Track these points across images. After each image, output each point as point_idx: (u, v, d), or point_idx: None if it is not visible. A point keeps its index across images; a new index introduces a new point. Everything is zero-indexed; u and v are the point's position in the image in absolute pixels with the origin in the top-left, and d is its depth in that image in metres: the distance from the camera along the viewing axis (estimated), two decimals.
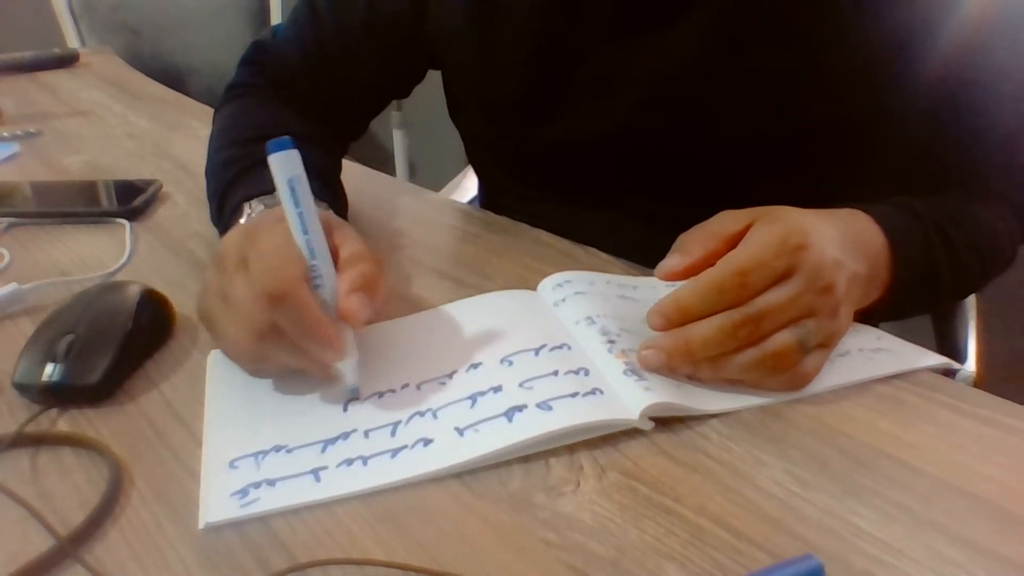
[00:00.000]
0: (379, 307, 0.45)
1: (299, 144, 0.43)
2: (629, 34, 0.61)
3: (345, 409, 0.44)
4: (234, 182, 0.59)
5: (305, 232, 0.43)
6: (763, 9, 0.56)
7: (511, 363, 0.46)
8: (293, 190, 0.42)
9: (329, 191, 0.61)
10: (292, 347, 0.42)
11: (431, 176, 1.87)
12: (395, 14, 0.69)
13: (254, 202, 0.55)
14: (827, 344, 0.45)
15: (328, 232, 0.45)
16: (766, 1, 0.56)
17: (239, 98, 0.73)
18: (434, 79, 0.76)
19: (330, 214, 0.51)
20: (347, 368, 0.44)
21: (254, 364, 0.45)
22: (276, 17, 1.87)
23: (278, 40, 0.75)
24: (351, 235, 0.48)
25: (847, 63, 0.56)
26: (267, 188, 0.54)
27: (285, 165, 0.42)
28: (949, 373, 0.49)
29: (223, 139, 0.67)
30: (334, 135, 0.72)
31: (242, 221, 0.54)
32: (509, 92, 0.67)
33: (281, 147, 0.42)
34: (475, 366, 0.46)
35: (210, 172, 0.65)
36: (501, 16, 0.64)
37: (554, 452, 0.40)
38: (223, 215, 0.59)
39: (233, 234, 0.45)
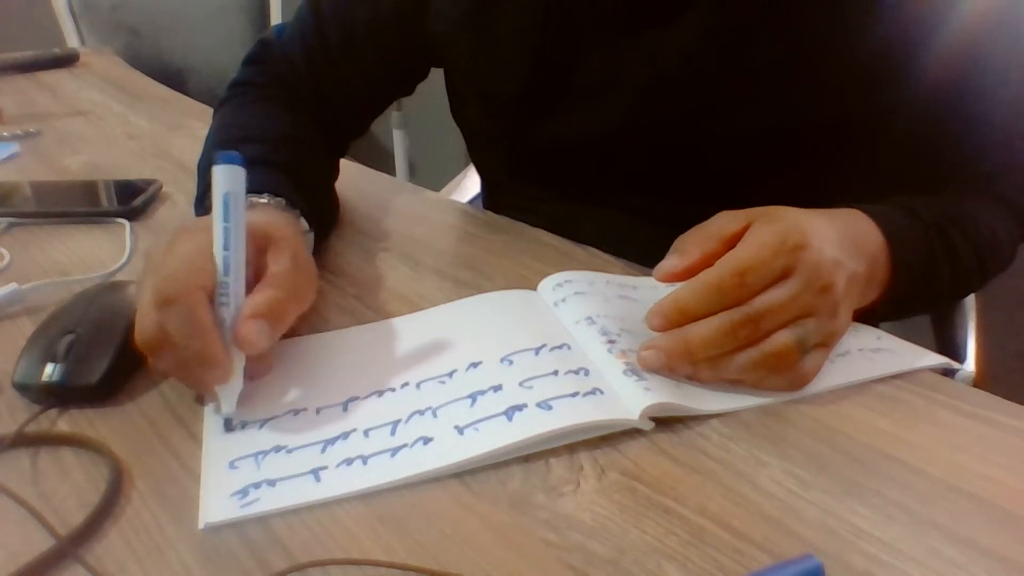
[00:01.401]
0: (281, 335, 0.44)
1: (290, 147, 0.42)
2: (629, 32, 0.61)
3: (229, 430, 0.42)
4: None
5: (225, 248, 0.42)
6: (762, 8, 0.56)
7: (511, 363, 0.46)
8: (226, 205, 0.41)
9: (308, 199, 0.58)
10: (180, 360, 0.41)
11: (431, 176, 1.87)
12: (398, 12, 0.69)
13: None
14: (827, 344, 0.45)
15: (263, 247, 0.45)
16: (764, 1, 0.56)
17: (237, 96, 0.73)
18: (435, 78, 0.76)
19: (278, 227, 0.48)
20: (224, 394, 0.42)
21: (155, 363, 0.44)
22: (276, 17, 1.87)
23: (282, 39, 0.75)
24: (285, 254, 0.46)
25: (846, 62, 0.56)
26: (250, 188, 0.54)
27: (226, 179, 0.41)
28: (949, 373, 0.49)
29: (214, 138, 0.67)
30: (333, 134, 0.72)
31: None
32: (509, 90, 0.67)
33: (229, 160, 0.41)
34: (475, 365, 0.46)
35: (199, 170, 0.65)
36: (501, 14, 0.64)
37: (554, 452, 0.40)
38: (199, 213, 0.59)
39: (170, 236, 0.45)
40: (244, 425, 0.42)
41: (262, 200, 0.53)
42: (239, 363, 0.42)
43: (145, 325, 0.42)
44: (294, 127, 0.67)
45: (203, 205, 0.59)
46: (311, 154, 0.66)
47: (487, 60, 0.67)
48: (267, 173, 0.56)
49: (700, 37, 0.58)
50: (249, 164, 0.48)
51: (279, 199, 0.54)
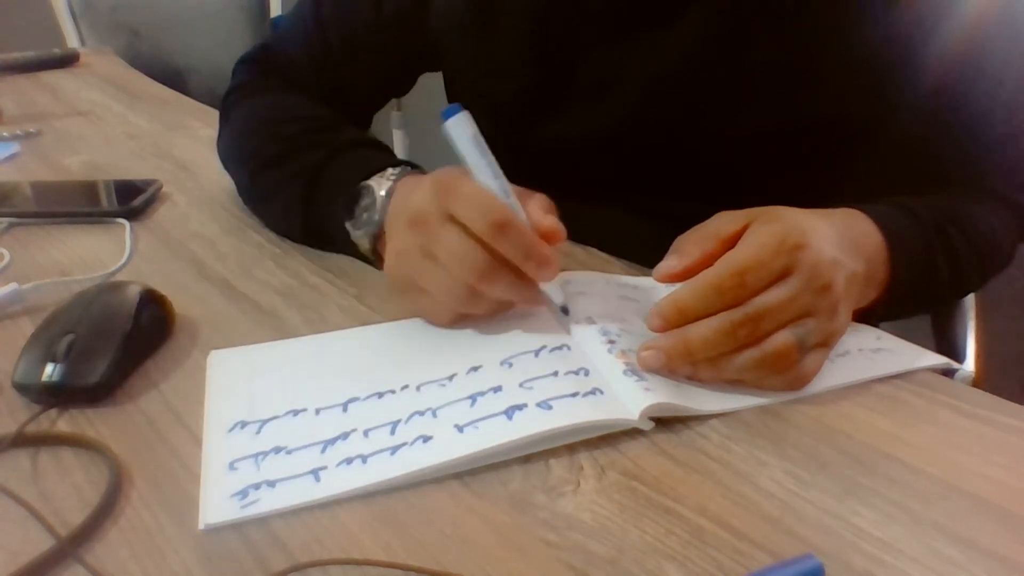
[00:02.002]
0: None
1: (352, 128, 0.43)
2: (628, 32, 0.61)
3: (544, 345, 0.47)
4: (328, 167, 0.59)
5: (496, 177, 0.47)
6: (761, 8, 0.56)
7: (511, 365, 0.46)
8: (478, 143, 0.47)
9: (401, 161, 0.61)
10: (510, 279, 0.46)
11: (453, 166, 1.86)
12: (400, 14, 0.69)
13: (378, 178, 0.55)
14: (826, 343, 0.45)
15: None
16: (763, 0, 0.56)
17: (257, 95, 0.72)
18: (435, 78, 0.76)
19: None
20: (554, 289, 0.48)
21: (467, 307, 0.48)
22: (276, 15, 1.87)
23: (282, 41, 0.75)
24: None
25: (845, 62, 0.56)
26: (377, 167, 0.56)
27: (465, 125, 0.47)
28: (948, 373, 0.49)
29: (277, 129, 0.66)
30: None
31: (381, 195, 0.54)
32: (509, 91, 0.67)
33: (455, 111, 0.47)
34: (475, 369, 0.46)
35: (270, 161, 0.64)
36: (501, 15, 0.64)
37: (554, 452, 0.40)
38: (317, 197, 0.59)
39: (419, 197, 0.47)
40: (243, 425, 0.42)
41: (408, 170, 0.56)
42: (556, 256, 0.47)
43: (477, 259, 0.44)
44: (337, 114, 0.68)
45: (316, 204, 0.60)
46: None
47: (486, 61, 0.67)
48: (383, 152, 0.60)
49: (699, 37, 0.58)
50: (361, 145, 0.58)
51: (404, 166, 0.57)
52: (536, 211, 0.47)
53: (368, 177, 0.56)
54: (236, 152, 0.71)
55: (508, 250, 0.44)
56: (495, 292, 0.46)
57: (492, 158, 0.47)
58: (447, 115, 0.47)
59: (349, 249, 0.59)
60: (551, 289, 0.48)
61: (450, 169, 0.48)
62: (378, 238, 0.56)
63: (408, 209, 0.47)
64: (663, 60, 0.60)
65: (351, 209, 0.56)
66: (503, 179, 0.47)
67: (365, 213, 0.55)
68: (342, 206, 0.57)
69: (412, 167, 0.57)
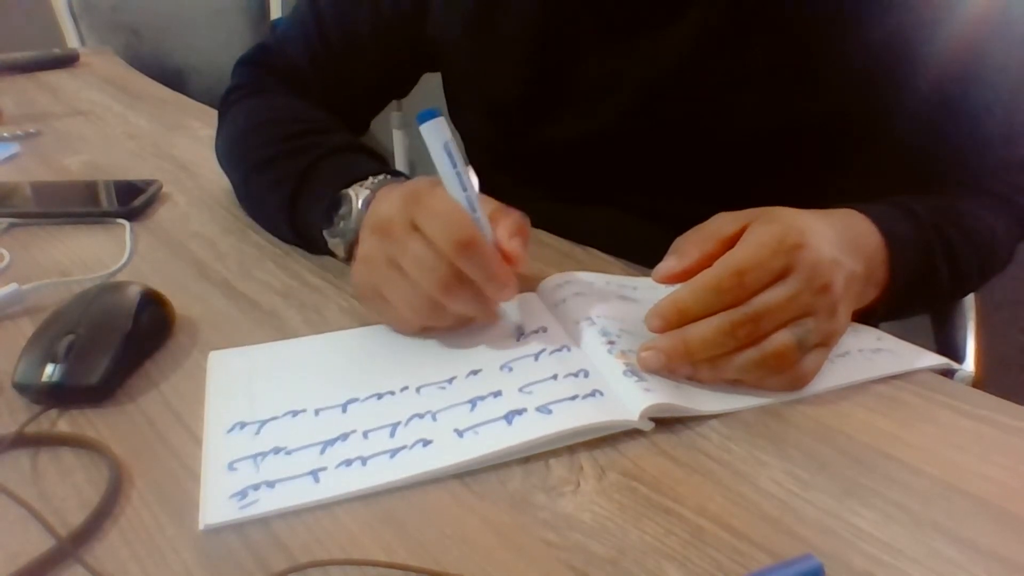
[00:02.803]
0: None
1: (346, 132, 0.44)
2: (627, 35, 0.61)
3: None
4: (311, 173, 0.59)
5: (465, 189, 0.46)
6: (758, 9, 0.56)
7: (511, 369, 0.46)
8: (449, 153, 0.46)
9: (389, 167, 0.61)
10: (470, 295, 0.46)
11: (431, 176, 1.86)
12: (399, 17, 0.69)
13: (357, 187, 0.55)
14: (826, 343, 0.45)
15: None
16: (761, 1, 0.56)
17: (254, 96, 0.73)
18: (435, 79, 0.76)
19: None
20: (512, 307, 0.48)
21: (429, 321, 0.48)
22: (276, 17, 1.87)
23: (282, 41, 0.75)
24: (483, 196, 0.50)
25: (843, 63, 0.56)
26: (359, 175, 0.56)
27: (438, 132, 0.46)
28: (948, 373, 0.49)
29: (269, 133, 0.66)
30: None
31: (351, 205, 0.54)
32: (507, 93, 0.67)
33: (431, 116, 0.46)
34: (475, 372, 0.46)
35: (260, 165, 0.64)
36: (499, 18, 0.64)
37: (554, 452, 0.40)
38: (300, 204, 0.59)
39: (390, 204, 0.47)
40: (243, 426, 0.42)
41: (389, 178, 0.56)
42: (515, 279, 0.47)
43: (441, 273, 0.44)
44: (333, 118, 0.68)
45: (299, 207, 0.59)
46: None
47: (486, 64, 0.67)
48: (368, 158, 0.60)
49: (697, 39, 0.58)
50: (347, 151, 0.58)
51: (384, 176, 0.57)
52: (503, 231, 0.47)
53: (348, 185, 0.56)
54: (230, 154, 0.71)
55: (470, 269, 0.44)
56: (456, 306, 0.46)
57: (464, 168, 0.47)
58: (422, 119, 0.46)
59: (333, 255, 0.59)
60: (510, 308, 0.48)
61: (423, 179, 0.49)
62: (354, 246, 0.55)
63: (376, 217, 0.48)
64: (661, 62, 0.60)
65: (330, 216, 0.56)
66: (472, 191, 0.46)
67: (342, 221, 0.56)
68: (321, 214, 0.57)
69: (395, 175, 0.57)
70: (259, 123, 0.69)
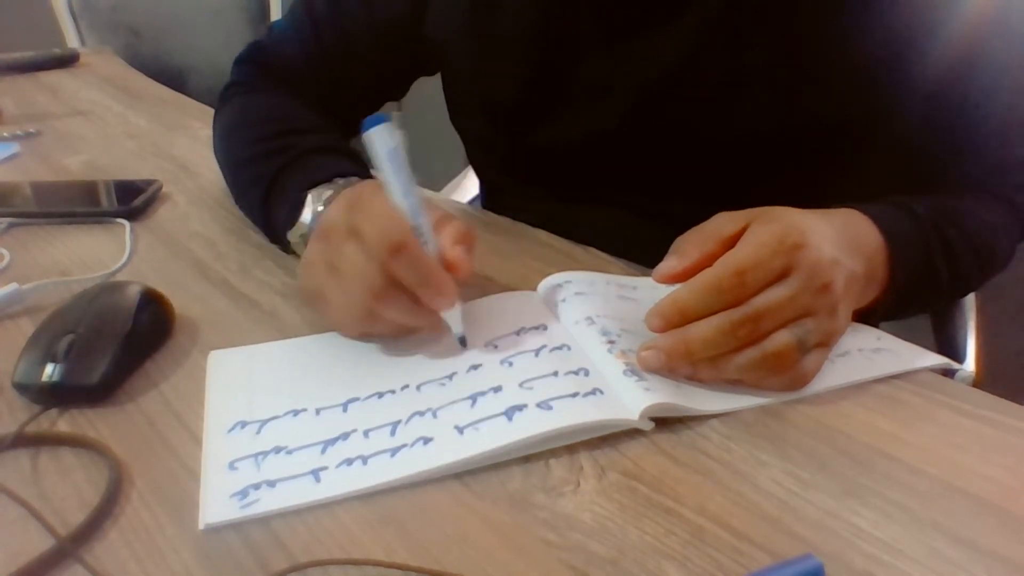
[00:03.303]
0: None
1: (329, 133, 0.44)
2: (625, 35, 0.61)
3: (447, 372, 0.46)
4: (281, 174, 0.59)
5: (407, 196, 0.46)
6: (757, 10, 0.56)
7: (511, 364, 0.46)
8: (393, 160, 0.46)
9: (368, 173, 0.61)
10: (405, 303, 0.45)
11: (431, 176, 1.86)
12: (394, 18, 0.69)
13: (320, 189, 0.55)
14: (826, 343, 0.45)
15: None
16: (759, 2, 0.56)
17: (247, 94, 0.73)
18: (434, 79, 0.76)
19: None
20: (453, 317, 0.47)
21: (365, 326, 0.47)
22: (276, 17, 1.87)
23: (277, 41, 0.75)
24: (433, 203, 0.50)
25: (842, 64, 0.56)
26: (324, 177, 0.56)
27: (385, 138, 0.46)
28: (949, 373, 0.49)
29: (251, 132, 0.67)
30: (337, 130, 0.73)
31: (318, 207, 0.55)
32: (507, 94, 0.67)
33: (378, 121, 0.46)
34: (475, 368, 0.46)
35: (240, 165, 0.65)
36: (498, 19, 0.64)
37: (554, 452, 0.40)
38: (272, 205, 0.60)
39: (333, 209, 0.48)
40: (244, 426, 0.42)
41: (354, 180, 0.56)
42: (456, 287, 0.46)
43: (372, 279, 0.44)
44: (320, 118, 0.68)
45: (269, 208, 0.60)
46: (342, 140, 0.67)
47: (485, 65, 0.67)
48: (335, 158, 0.59)
49: (696, 40, 0.58)
50: (317, 152, 0.56)
51: (355, 178, 0.56)
52: (446, 238, 0.47)
53: (313, 187, 0.56)
54: (219, 152, 0.72)
55: (402, 274, 0.44)
56: (390, 314, 0.46)
57: (408, 174, 0.46)
58: (367, 125, 0.46)
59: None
60: (451, 317, 0.47)
61: (370, 184, 0.49)
62: None
63: (320, 221, 0.48)
64: (660, 63, 0.60)
65: (294, 218, 0.56)
66: (415, 198, 0.46)
67: (301, 223, 0.56)
68: (286, 215, 0.57)
69: (364, 177, 0.57)
70: (244, 122, 0.69)
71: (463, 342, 0.47)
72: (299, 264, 0.50)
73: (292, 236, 0.57)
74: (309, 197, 0.55)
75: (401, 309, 0.45)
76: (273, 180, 0.60)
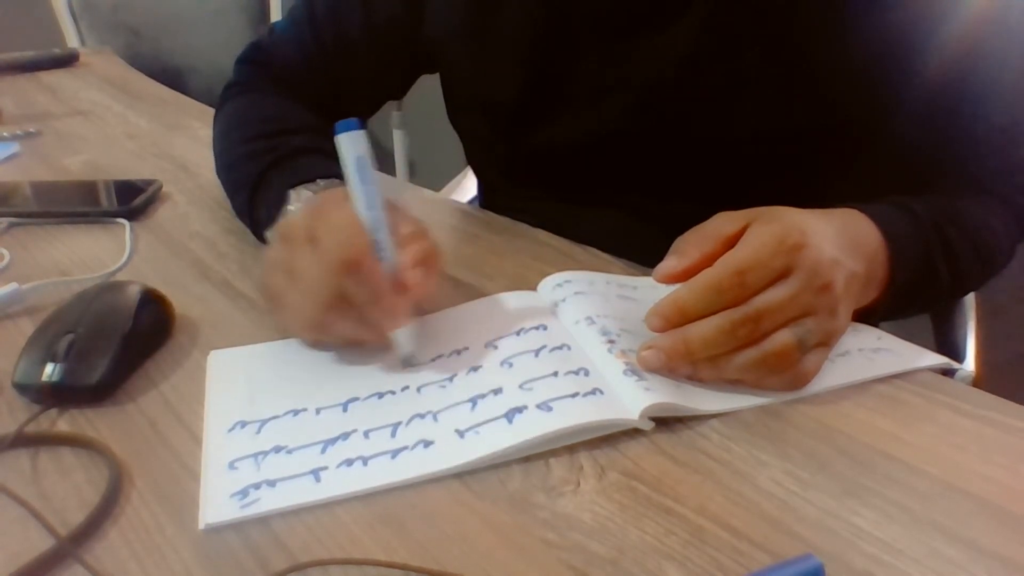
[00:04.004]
0: (435, 278, 0.48)
1: (321, 135, 0.45)
2: (625, 36, 0.61)
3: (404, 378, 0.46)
4: (267, 173, 0.59)
5: (370, 208, 0.45)
6: (756, 11, 0.56)
7: (511, 365, 0.46)
8: (360, 168, 0.45)
9: None
10: (355, 317, 0.44)
11: (431, 176, 1.87)
12: (392, 19, 0.69)
13: (300, 189, 0.55)
14: (826, 343, 0.45)
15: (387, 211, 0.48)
16: (759, 3, 0.56)
17: (245, 94, 0.73)
18: (435, 79, 0.76)
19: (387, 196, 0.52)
20: (403, 336, 0.46)
21: (315, 334, 0.47)
22: (276, 17, 1.87)
23: (277, 41, 0.75)
24: (409, 215, 0.49)
25: (841, 65, 0.56)
26: (307, 177, 0.56)
27: (354, 144, 0.45)
28: (949, 373, 0.49)
29: (241, 132, 0.67)
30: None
31: (291, 207, 0.54)
32: (506, 95, 0.67)
33: (349, 127, 0.45)
34: (475, 369, 0.46)
35: (232, 165, 0.65)
36: (498, 20, 0.64)
37: (554, 452, 0.40)
38: (256, 204, 0.60)
39: (299, 213, 0.47)
40: (244, 425, 0.43)
41: (335, 182, 0.55)
42: (407, 308, 0.45)
43: (324, 291, 0.44)
44: (314, 119, 0.68)
45: (254, 209, 0.60)
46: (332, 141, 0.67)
47: (484, 66, 0.67)
48: (322, 160, 0.59)
49: (694, 41, 0.58)
50: (304, 153, 0.55)
51: (337, 180, 0.56)
52: (406, 257, 0.46)
53: (293, 187, 0.56)
54: (215, 152, 0.72)
55: (353, 290, 0.44)
56: (339, 327, 0.45)
57: (376, 185, 0.45)
58: (339, 130, 0.45)
59: None
60: (400, 337, 0.46)
61: (339, 191, 0.48)
62: None
63: (284, 224, 0.47)
64: (659, 64, 0.60)
65: (275, 217, 0.56)
66: (378, 210, 0.45)
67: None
68: (267, 214, 0.57)
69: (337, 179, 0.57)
70: (238, 123, 0.69)
71: (408, 362, 0.46)
72: (265, 262, 0.49)
73: (270, 235, 0.57)
74: (290, 196, 0.55)
75: (350, 323, 0.45)
76: (259, 179, 0.60)
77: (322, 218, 0.45)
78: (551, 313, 0.51)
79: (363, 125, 0.45)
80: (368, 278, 0.43)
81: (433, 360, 0.48)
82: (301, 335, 0.49)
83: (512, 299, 0.54)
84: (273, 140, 0.63)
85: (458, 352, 0.48)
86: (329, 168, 0.57)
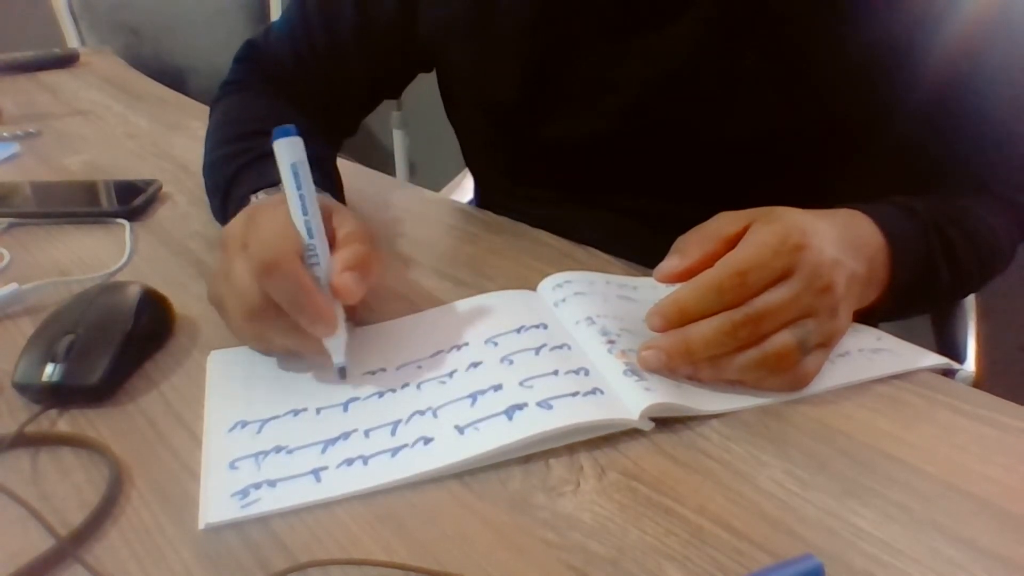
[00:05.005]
0: (373, 284, 0.46)
1: (299, 135, 0.44)
2: (623, 35, 0.61)
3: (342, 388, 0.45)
4: (238, 175, 0.60)
5: (304, 213, 0.44)
6: (755, 11, 0.56)
7: (511, 362, 0.46)
8: (296, 174, 0.44)
9: (327, 180, 0.62)
10: (285, 325, 0.43)
11: (431, 176, 1.87)
12: (384, 19, 0.69)
13: (261, 193, 0.55)
14: (827, 344, 0.45)
15: (327, 215, 0.47)
16: (758, 3, 0.56)
17: (234, 94, 0.74)
18: (435, 80, 0.76)
19: (331, 199, 0.51)
20: (334, 346, 0.45)
21: (253, 343, 0.47)
22: (276, 17, 1.87)
23: (272, 40, 0.75)
24: (349, 218, 0.49)
25: (840, 65, 0.56)
26: (273, 180, 0.55)
27: (289, 150, 0.44)
28: (949, 373, 0.49)
29: (222, 133, 0.67)
30: (328, 131, 0.73)
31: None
32: (504, 93, 0.67)
33: (286, 133, 0.44)
34: (475, 365, 0.46)
35: (211, 166, 0.66)
36: (496, 18, 0.64)
37: (554, 452, 0.40)
38: (227, 208, 0.59)
39: (236, 219, 0.47)
40: (244, 425, 0.43)
41: None
42: (340, 316, 0.45)
43: (249, 297, 0.43)
44: (300, 120, 0.68)
45: (226, 212, 0.59)
46: (319, 143, 0.67)
47: (482, 65, 0.67)
48: None
49: (693, 40, 0.58)
50: (265, 158, 0.52)
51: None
52: (338, 262, 0.45)
53: (256, 191, 0.56)
54: (204, 151, 0.71)
55: (277, 296, 0.42)
56: (271, 336, 0.45)
57: (311, 190, 0.45)
58: (275, 136, 0.44)
59: None
60: (332, 345, 0.45)
61: (276, 198, 0.48)
62: None
63: (224, 230, 0.47)
64: (658, 63, 0.60)
65: None
66: (312, 216, 0.44)
67: None
68: (232, 209, 0.57)
69: (320, 186, 0.56)
70: (223, 123, 0.69)
71: (342, 373, 0.45)
72: None
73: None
74: (251, 200, 0.55)
75: (281, 331, 0.44)
76: (231, 182, 0.60)
77: (254, 224, 0.45)
78: (551, 312, 0.51)
79: (300, 132, 0.44)
80: (289, 281, 0.42)
81: (433, 356, 0.48)
82: (244, 342, 0.48)
83: (512, 297, 0.54)
84: (248, 142, 0.63)
85: (458, 348, 0.48)
86: None
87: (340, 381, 0.46)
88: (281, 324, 0.44)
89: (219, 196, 0.62)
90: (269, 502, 0.37)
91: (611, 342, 0.47)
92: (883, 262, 0.51)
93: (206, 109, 1.05)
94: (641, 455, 0.40)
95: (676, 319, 0.44)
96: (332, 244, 0.46)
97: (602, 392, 0.43)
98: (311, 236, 0.44)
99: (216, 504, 0.37)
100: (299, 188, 0.44)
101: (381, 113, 0.80)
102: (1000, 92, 0.58)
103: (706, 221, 0.47)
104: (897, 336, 0.51)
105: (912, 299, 0.54)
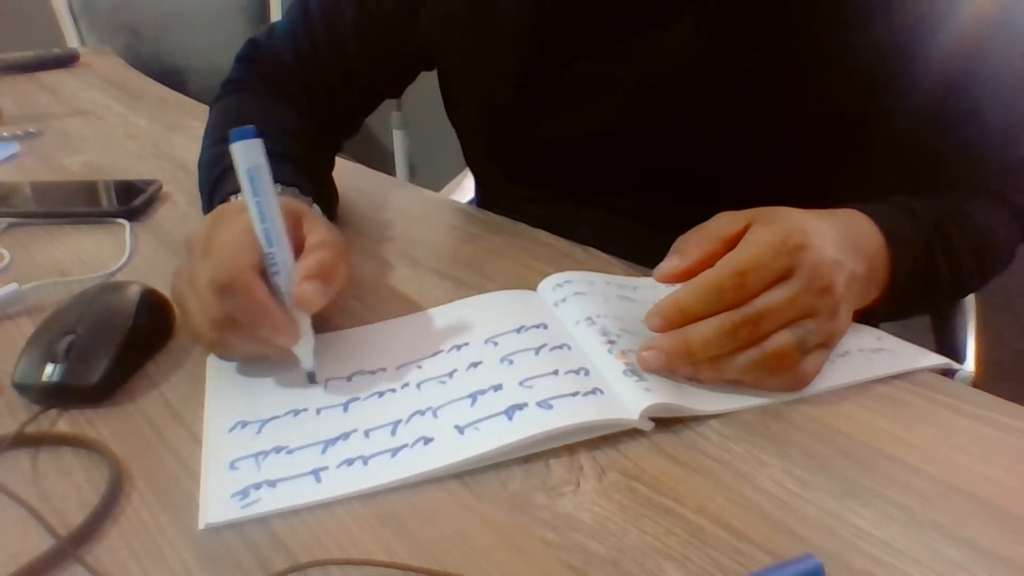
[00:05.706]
0: (338, 292, 0.46)
1: (289, 138, 0.44)
2: (622, 34, 0.61)
3: (315, 386, 0.45)
4: (223, 176, 0.60)
5: (263, 221, 0.44)
6: (754, 11, 0.56)
7: (511, 362, 0.46)
8: (252, 179, 0.43)
9: (315, 185, 0.61)
10: (247, 334, 0.44)
11: (431, 176, 1.87)
12: (384, 19, 0.69)
13: (239, 195, 0.55)
14: (827, 344, 0.45)
15: (297, 221, 0.47)
16: (758, 3, 0.56)
17: (233, 93, 0.74)
18: (435, 78, 0.76)
19: (302, 205, 0.51)
20: (302, 352, 0.45)
21: (216, 350, 0.47)
22: (276, 17, 1.87)
23: (274, 39, 0.75)
24: (319, 224, 0.48)
25: (839, 65, 0.56)
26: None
27: (245, 154, 0.43)
28: (949, 373, 0.49)
29: (215, 134, 0.67)
30: (327, 132, 0.72)
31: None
32: (504, 93, 0.67)
33: (243, 136, 0.43)
34: (475, 365, 0.46)
35: (202, 166, 0.66)
36: (495, 18, 0.64)
37: (554, 452, 0.40)
38: (212, 208, 0.59)
39: (204, 221, 0.47)
40: (244, 425, 0.42)
41: (276, 190, 0.54)
42: (305, 322, 0.45)
43: (211, 313, 0.43)
44: (292, 120, 0.68)
45: (211, 204, 0.59)
46: (312, 145, 0.67)
47: (481, 64, 0.67)
48: (276, 164, 0.57)
49: (692, 39, 0.58)
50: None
51: (292, 188, 0.56)
52: (299, 272, 0.44)
53: (234, 193, 0.55)
54: (200, 149, 0.71)
55: (235, 312, 0.43)
56: (235, 345, 0.45)
57: (271, 196, 0.43)
58: (233, 138, 0.43)
59: None
60: (300, 351, 0.45)
61: (237, 204, 0.47)
62: None
63: (189, 232, 0.47)
64: (657, 62, 0.60)
65: None
66: (273, 223, 0.44)
67: None
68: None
69: (299, 185, 0.57)
70: (218, 123, 0.69)
71: (311, 378, 0.46)
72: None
73: None
74: (231, 202, 0.55)
75: (247, 340, 0.44)
76: (216, 181, 0.60)
77: (215, 231, 0.45)
78: (551, 312, 0.51)
79: (259, 134, 0.43)
80: (243, 299, 0.42)
81: (433, 356, 0.48)
82: (208, 350, 0.48)
83: (512, 297, 0.54)
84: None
85: (458, 348, 0.48)
86: (282, 173, 0.55)
87: (312, 385, 0.45)
88: (244, 333, 0.44)
89: (206, 196, 0.62)
90: (269, 502, 0.37)
91: (611, 342, 0.47)
92: (883, 262, 0.51)
93: (206, 109, 1.05)
94: (641, 455, 0.40)
95: (676, 319, 0.44)
96: (301, 250, 0.46)
97: (602, 392, 0.43)
98: (270, 244, 0.44)
99: (216, 504, 0.37)
100: (255, 195, 0.43)
101: (381, 113, 0.80)
102: (1000, 93, 0.58)
103: (706, 221, 0.47)
104: (897, 336, 0.51)
105: (912, 299, 0.54)
